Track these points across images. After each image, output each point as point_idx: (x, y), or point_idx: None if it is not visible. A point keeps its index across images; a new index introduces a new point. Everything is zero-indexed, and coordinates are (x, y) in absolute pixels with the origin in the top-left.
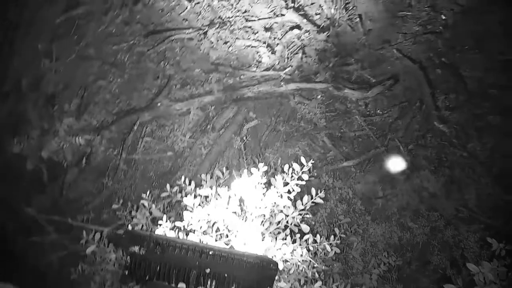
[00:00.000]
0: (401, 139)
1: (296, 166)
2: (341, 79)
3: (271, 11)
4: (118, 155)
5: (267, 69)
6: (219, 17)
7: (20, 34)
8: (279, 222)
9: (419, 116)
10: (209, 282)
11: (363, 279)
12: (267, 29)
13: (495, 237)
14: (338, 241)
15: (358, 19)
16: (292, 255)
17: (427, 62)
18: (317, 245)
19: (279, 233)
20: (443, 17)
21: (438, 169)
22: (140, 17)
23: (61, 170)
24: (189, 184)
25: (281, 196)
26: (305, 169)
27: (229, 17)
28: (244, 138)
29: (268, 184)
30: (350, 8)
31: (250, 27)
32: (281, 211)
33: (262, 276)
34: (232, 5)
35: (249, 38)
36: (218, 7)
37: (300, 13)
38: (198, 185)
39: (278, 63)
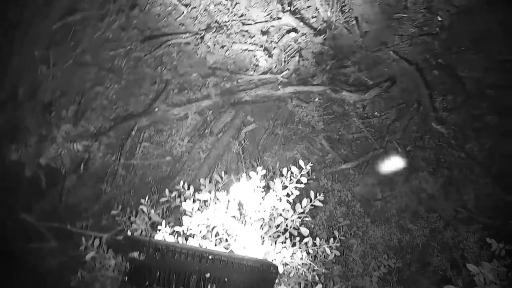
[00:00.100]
0: (399, 140)
1: (294, 169)
2: (339, 82)
3: (268, 15)
4: (116, 160)
5: (264, 73)
6: (215, 21)
7: (17, 39)
8: (278, 225)
9: (416, 118)
10: (209, 287)
11: (363, 282)
12: (263, 33)
13: (494, 237)
14: (338, 244)
15: (354, 22)
16: (292, 258)
17: (423, 63)
18: (317, 248)
19: (278, 236)
20: (439, 19)
21: (436, 170)
22: (137, 22)
23: (60, 176)
24: (188, 188)
25: (280, 200)
26: (304, 172)
27: (225, 21)
28: (242, 142)
29: (267, 188)
30: (346, 11)
31: (246, 31)
32: (280, 215)
33: (262, 279)
34: (228, 9)
35: (246, 42)
36: (215, 12)
37: (296, 16)
38: (197, 189)
39: (275, 67)
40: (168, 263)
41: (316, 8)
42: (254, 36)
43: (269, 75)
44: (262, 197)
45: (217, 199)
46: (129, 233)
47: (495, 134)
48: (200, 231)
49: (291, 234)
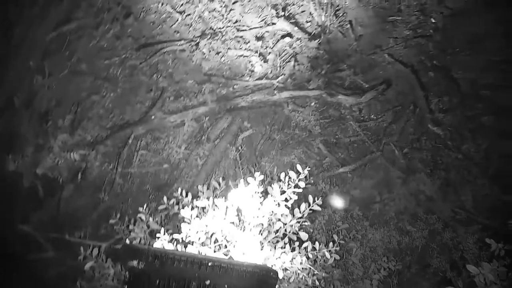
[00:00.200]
0: (396, 143)
1: (292, 174)
2: (334, 86)
3: (262, 20)
4: (114, 169)
5: (260, 78)
6: (210, 28)
7: (13, 49)
8: (277, 230)
9: (413, 120)
10: None
11: (363, 285)
12: (258, 38)
13: (493, 238)
14: (337, 248)
15: (348, 25)
16: (291, 263)
17: (418, 65)
18: (316, 253)
19: (277, 241)
20: (433, 21)
21: (433, 172)
22: (131, 30)
23: (57, 186)
24: (186, 196)
25: (279, 205)
26: (302, 176)
27: (220, 28)
28: (240, 147)
29: (265, 193)
30: (340, 15)
31: (241, 37)
32: (279, 220)
33: (262, 285)
34: (223, 15)
35: (241, 48)
36: (209, 18)
37: (291, 21)
38: (195, 196)
39: (271, 72)
40: (168, 270)
41: (310, 12)
42: (249, 42)
43: (264, 80)
44: (261, 203)
45: (216, 205)
46: (127, 241)
47: (491, 135)
48: (199, 238)
49: (290, 239)
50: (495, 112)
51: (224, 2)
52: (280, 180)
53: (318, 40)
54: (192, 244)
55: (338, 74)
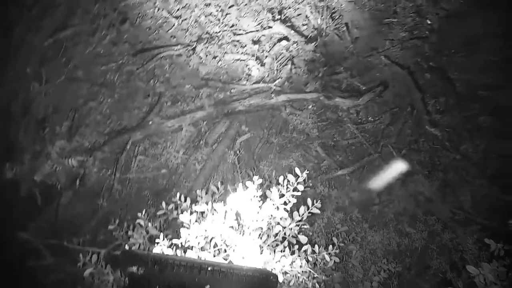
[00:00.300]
0: (394, 144)
1: (291, 177)
2: (331, 88)
3: (258, 24)
4: (112, 175)
5: (257, 82)
6: (206, 32)
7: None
8: (276, 234)
9: (410, 121)
10: None
11: (364, 287)
12: (255, 42)
13: (492, 238)
14: (337, 250)
15: (345, 28)
16: (291, 267)
17: (415, 67)
18: (316, 256)
19: (277, 245)
20: (429, 22)
21: (432, 173)
22: (128, 36)
23: (55, 193)
24: (185, 200)
25: (278, 208)
26: (300, 179)
27: (216, 32)
28: (238, 151)
29: (264, 197)
30: (336, 18)
31: (238, 41)
32: (278, 223)
33: None
34: (219, 20)
35: (237, 52)
36: (205, 23)
37: (287, 24)
38: (194, 201)
39: (268, 76)
40: (167, 276)
41: (306, 15)
42: (245, 45)
43: (262, 84)
44: (260, 206)
45: (215, 210)
46: (127, 247)
47: (489, 135)
48: (198, 243)
49: (289, 243)
50: (492, 112)
51: (220, 6)
52: (278, 184)
53: (314, 43)
54: (192, 249)
55: (335, 77)
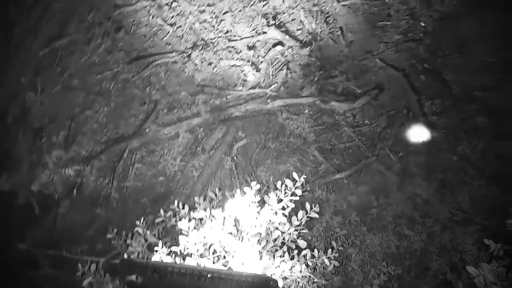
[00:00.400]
0: (391, 147)
1: (288, 182)
2: (327, 92)
3: (253, 30)
4: (109, 183)
5: (253, 88)
6: (201, 39)
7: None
8: (275, 239)
9: (407, 124)
10: None
11: None
12: (250, 48)
13: (492, 238)
14: (336, 254)
15: (339, 32)
16: (291, 272)
17: (410, 69)
18: (316, 260)
19: (276, 250)
20: (423, 24)
21: (429, 175)
22: (123, 44)
23: (53, 202)
24: (183, 207)
25: (276, 213)
26: (298, 184)
27: (211, 39)
28: (235, 157)
29: (262, 202)
30: (330, 22)
31: (233, 47)
32: (277, 228)
33: None
34: (213, 26)
35: (233, 58)
36: (200, 30)
37: (281, 29)
38: (192, 208)
39: (264, 81)
40: (167, 284)
41: (301, 20)
42: (240, 51)
43: (257, 89)
44: (258, 212)
45: (213, 216)
46: (125, 256)
47: (486, 135)
48: (197, 250)
49: (289, 248)
50: (488, 113)
51: (214, 13)
52: (276, 189)
53: (309, 47)
54: (191, 256)
55: (330, 81)
